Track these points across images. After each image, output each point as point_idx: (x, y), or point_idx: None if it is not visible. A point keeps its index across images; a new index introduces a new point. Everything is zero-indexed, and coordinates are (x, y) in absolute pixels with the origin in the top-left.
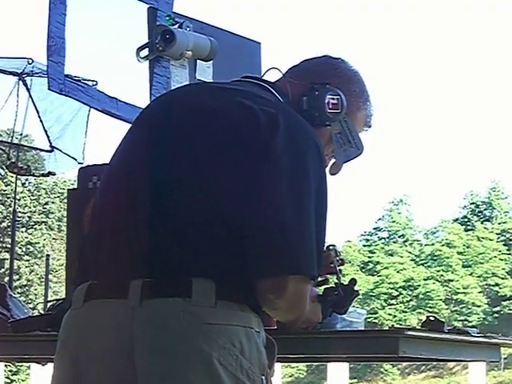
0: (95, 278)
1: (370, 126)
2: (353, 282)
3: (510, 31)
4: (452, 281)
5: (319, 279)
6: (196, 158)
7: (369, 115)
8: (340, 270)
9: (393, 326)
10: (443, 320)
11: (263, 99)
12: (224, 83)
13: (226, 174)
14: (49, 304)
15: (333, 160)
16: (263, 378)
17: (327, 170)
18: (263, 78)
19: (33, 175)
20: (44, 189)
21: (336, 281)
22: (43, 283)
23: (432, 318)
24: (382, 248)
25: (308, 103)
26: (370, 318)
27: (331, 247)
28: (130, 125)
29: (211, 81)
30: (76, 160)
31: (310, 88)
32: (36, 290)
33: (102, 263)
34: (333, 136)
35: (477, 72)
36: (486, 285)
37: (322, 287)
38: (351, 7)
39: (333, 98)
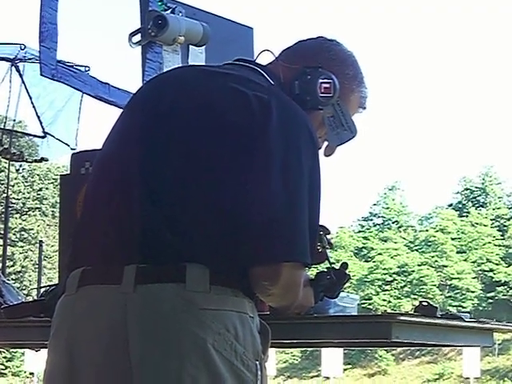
0: (89, 264)
1: (364, 108)
2: (344, 265)
3: (498, 26)
4: (446, 267)
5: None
6: (189, 145)
7: (363, 97)
8: (325, 251)
9: (385, 311)
10: (436, 305)
11: (256, 84)
12: (216, 67)
13: (218, 161)
14: (42, 290)
15: (326, 142)
16: (257, 363)
17: (321, 152)
18: (256, 61)
19: (26, 161)
20: (38, 175)
21: (328, 265)
22: (37, 269)
23: (425, 304)
24: (376, 234)
25: (300, 87)
26: (364, 303)
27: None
28: (122, 109)
29: (203, 64)
30: (69, 146)
31: (302, 72)
32: (30, 276)
33: (96, 249)
34: (325, 120)
35: (468, 60)
36: (480, 270)
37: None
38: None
39: (325, 82)
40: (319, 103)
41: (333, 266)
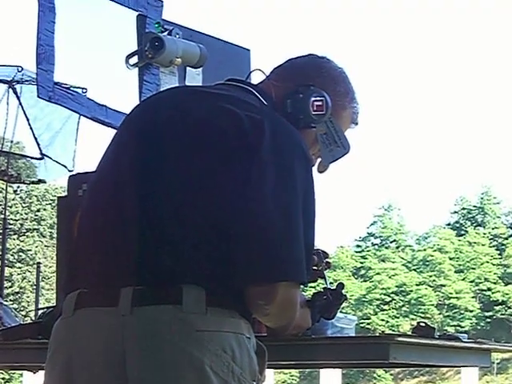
0: (85, 286)
1: (356, 124)
2: (340, 286)
3: (504, 34)
4: (444, 286)
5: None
6: (183, 166)
7: (355, 113)
8: (323, 272)
9: (383, 331)
10: (434, 326)
11: (248, 104)
12: (208, 87)
13: (213, 182)
14: (39, 311)
15: (319, 159)
16: (254, 383)
17: (314, 168)
18: (247, 80)
19: (23, 183)
20: (36, 196)
21: (324, 285)
22: (35, 290)
23: (422, 324)
24: (375, 253)
25: (292, 106)
26: (362, 323)
27: (315, 251)
28: (116, 130)
29: (195, 84)
30: (66, 168)
31: (294, 90)
32: (28, 297)
33: (92, 271)
34: (318, 137)
35: (467, 77)
36: (479, 290)
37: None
38: (342, 13)
39: (317, 100)
40: (312, 121)
41: (329, 286)
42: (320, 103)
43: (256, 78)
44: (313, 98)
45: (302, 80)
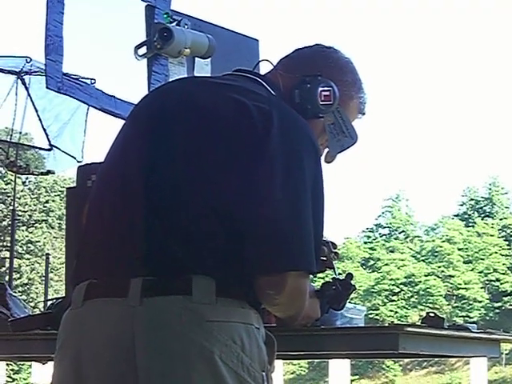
0: (94, 277)
1: (364, 114)
2: (349, 276)
3: (507, 29)
4: (453, 277)
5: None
6: (192, 156)
7: (362, 103)
8: (332, 263)
9: (392, 322)
10: (443, 316)
11: (256, 94)
12: (216, 77)
13: (222, 172)
14: (49, 303)
15: (327, 149)
16: (264, 374)
17: (322, 158)
18: (255, 70)
19: (32, 174)
20: (44, 187)
21: (333, 276)
22: (44, 282)
23: (432, 315)
24: (383, 244)
25: (300, 96)
26: (371, 314)
27: (324, 242)
28: (125, 120)
29: (203, 75)
30: (75, 158)
31: (301, 80)
32: (37, 288)
33: (101, 262)
34: (326, 127)
35: (474, 67)
36: (487, 280)
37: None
38: (351, 4)
39: (325, 90)
40: (320, 111)
41: (338, 276)
42: (328, 93)
43: (263, 69)
44: (320, 88)
45: (310, 70)
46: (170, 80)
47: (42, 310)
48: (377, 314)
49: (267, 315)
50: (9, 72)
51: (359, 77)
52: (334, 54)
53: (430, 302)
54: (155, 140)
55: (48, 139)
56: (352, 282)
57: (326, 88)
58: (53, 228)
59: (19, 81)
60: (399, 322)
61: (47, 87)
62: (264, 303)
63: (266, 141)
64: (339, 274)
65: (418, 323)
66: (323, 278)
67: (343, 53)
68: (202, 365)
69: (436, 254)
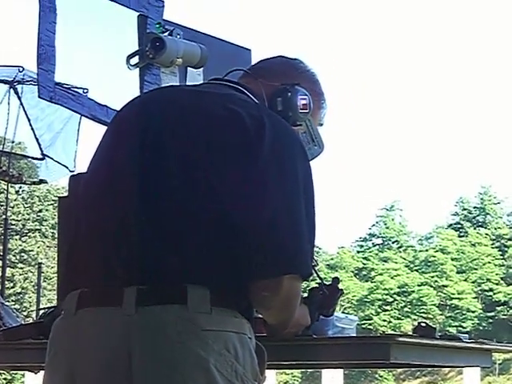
0: (86, 286)
1: (322, 124)
2: (335, 280)
3: (504, 34)
4: (446, 286)
5: None
6: (185, 164)
7: (324, 114)
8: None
9: (384, 332)
10: (435, 326)
11: (245, 102)
12: (198, 86)
13: (215, 180)
14: (40, 312)
15: None
16: (256, 383)
17: None
18: (227, 78)
19: (24, 183)
20: (37, 196)
21: (318, 281)
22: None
23: (423, 324)
24: (377, 254)
25: (282, 104)
26: (364, 324)
27: None
28: (107, 126)
29: (183, 84)
30: (67, 168)
31: (282, 89)
32: (30, 297)
33: (93, 271)
34: (300, 136)
35: (467, 78)
36: (481, 290)
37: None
38: (340, 14)
39: (303, 99)
40: (299, 119)
41: (323, 281)
42: (305, 102)
43: (234, 78)
44: (299, 97)
45: (286, 79)
46: (151, 89)
47: (35, 319)
48: (370, 324)
49: (258, 325)
50: (1, 81)
51: (323, 89)
52: (302, 65)
53: (423, 312)
54: (146, 149)
55: (40, 148)
56: (339, 285)
57: (303, 96)
58: (46, 237)
59: (12, 90)
60: (392, 332)
61: (39, 96)
62: (258, 307)
63: (260, 147)
64: (324, 278)
65: (410, 333)
66: (308, 285)
67: (307, 64)
68: (198, 374)
69: (429, 263)
